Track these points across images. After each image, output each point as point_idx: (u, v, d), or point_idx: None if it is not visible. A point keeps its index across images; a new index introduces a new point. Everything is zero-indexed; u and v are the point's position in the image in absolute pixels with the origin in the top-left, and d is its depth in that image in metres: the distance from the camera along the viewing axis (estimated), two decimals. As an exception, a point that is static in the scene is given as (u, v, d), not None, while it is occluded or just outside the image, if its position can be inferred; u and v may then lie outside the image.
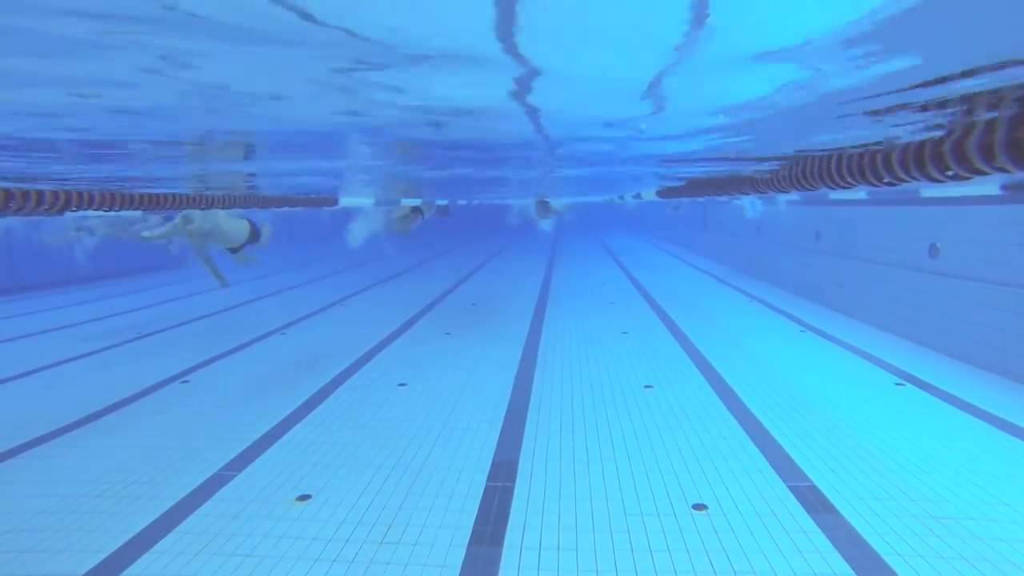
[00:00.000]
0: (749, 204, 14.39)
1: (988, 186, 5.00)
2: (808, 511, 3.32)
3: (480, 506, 3.44)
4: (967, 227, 6.35)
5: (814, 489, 3.56)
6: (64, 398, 5.54)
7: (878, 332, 7.46)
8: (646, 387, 5.51)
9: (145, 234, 6.57)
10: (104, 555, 3.01)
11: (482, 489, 3.64)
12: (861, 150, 2.73)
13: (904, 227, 7.48)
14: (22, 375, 6.38)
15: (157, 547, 3.07)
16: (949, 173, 2.14)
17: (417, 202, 10.55)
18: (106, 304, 11.02)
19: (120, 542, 3.13)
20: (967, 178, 2.11)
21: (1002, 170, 1.89)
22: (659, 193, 7.71)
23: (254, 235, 7.22)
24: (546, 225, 12.56)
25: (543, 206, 11.44)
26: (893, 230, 7.73)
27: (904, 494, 3.49)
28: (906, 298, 7.16)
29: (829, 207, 9.57)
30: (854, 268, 8.50)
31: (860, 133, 2.55)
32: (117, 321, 9.27)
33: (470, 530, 3.19)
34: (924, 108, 1.97)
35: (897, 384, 5.47)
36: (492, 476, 3.80)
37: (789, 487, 3.59)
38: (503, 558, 2.94)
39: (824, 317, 8.45)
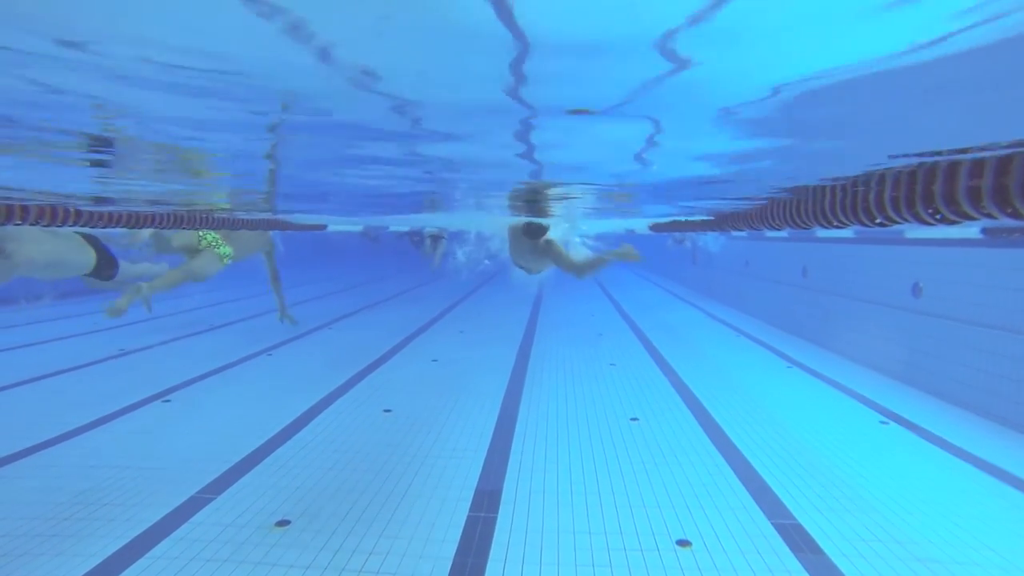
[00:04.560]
0: (712, 239, 14.58)
1: (969, 230, 5.12)
2: (792, 550, 3.29)
3: (462, 536, 3.38)
4: (950, 268, 6.47)
5: (799, 527, 3.54)
6: (38, 415, 5.41)
7: (864, 369, 7.52)
8: (632, 420, 5.48)
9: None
10: (72, 579, 2.92)
11: (464, 518, 3.58)
12: (854, 189, 2.76)
13: (888, 266, 7.61)
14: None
15: (127, 572, 2.98)
16: (938, 216, 2.17)
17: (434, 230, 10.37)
18: (90, 320, 10.86)
19: (89, 567, 3.03)
20: (955, 222, 2.15)
21: (988, 216, 1.92)
22: (652, 227, 7.76)
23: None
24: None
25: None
26: (878, 269, 7.85)
27: (889, 534, 3.47)
28: (891, 336, 7.24)
29: (816, 244, 9.72)
30: (840, 305, 8.60)
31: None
32: (100, 337, 9.13)
33: (451, 560, 3.13)
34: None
35: (882, 422, 5.49)
36: (475, 506, 3.75)
37: (774, 524, 3.56)
38: (484, 591, 2.88)
39: (810, 353, 8.50)
